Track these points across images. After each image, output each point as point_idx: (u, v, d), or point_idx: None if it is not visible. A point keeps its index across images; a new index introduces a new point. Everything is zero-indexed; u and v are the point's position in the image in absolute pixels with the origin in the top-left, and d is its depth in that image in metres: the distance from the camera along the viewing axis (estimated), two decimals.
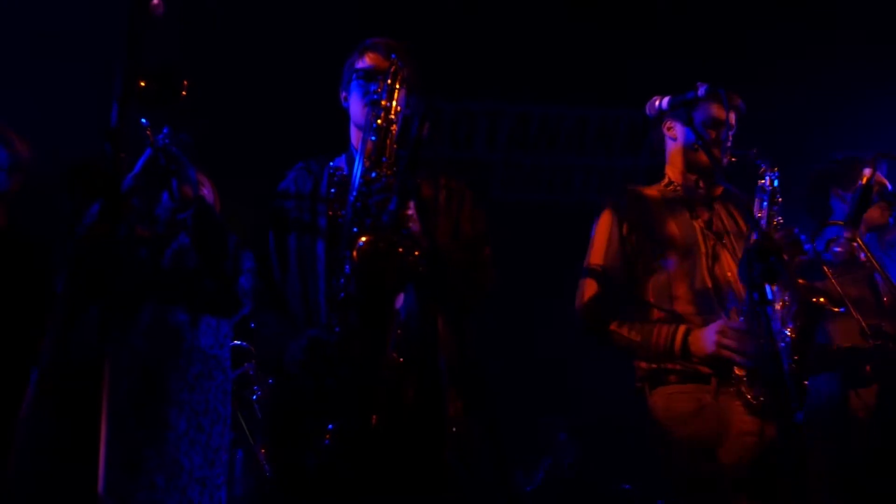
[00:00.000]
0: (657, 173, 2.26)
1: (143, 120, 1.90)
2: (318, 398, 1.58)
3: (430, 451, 1.60)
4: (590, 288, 2.06)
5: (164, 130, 1.94)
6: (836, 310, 1.80)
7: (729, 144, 2.04)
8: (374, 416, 1.53)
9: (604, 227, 2.11)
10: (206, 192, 2.28)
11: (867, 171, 2.08)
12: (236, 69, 3.48)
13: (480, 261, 1.83)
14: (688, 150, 2.10)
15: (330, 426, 1.54)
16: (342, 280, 1.62)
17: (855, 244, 2.08)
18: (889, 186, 2.39)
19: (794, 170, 2.51)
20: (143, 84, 1.25)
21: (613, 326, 2.00)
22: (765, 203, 1.89)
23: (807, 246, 1.83)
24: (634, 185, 2.20)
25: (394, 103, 1.74)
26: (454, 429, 1.62)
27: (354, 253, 1.54)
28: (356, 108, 1.93)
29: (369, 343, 1.55)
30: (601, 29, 3.84)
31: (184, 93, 1.37)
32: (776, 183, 1.90)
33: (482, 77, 3.97)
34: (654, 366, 1.97)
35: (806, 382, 1.79)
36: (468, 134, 4.27)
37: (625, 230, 2.07)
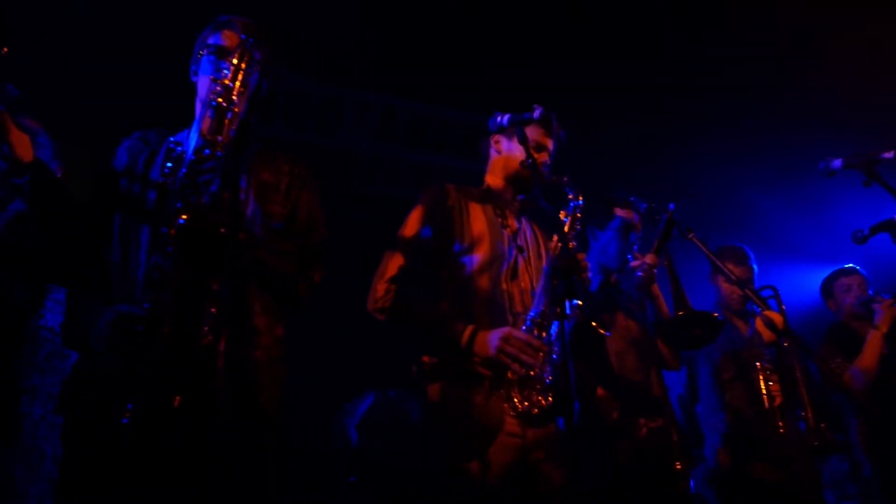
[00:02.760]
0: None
1: None
2: (121, 375, 1.52)
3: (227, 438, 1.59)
4: (391, 268, 2.10)
5: None
6: (603, 332, 1.98)
7: (546, 169, 2.19)
8: (178, 398, 1.49)
9: (417, 214, 2.17)
10: (42, 139, 2.08)
11: (671, 207, 2.31)
12: (83, 32, 3.27)
13: (310, 249, 1.84)
14: (510, 164, 2.24)
15: (129, 405, 1.48)
16: (160, 257, 1.58)
17: (655, 271, 2.30)
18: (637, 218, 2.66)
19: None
20: None
21: (409, 307, 2.05)
22: (566, 225, 2.04)
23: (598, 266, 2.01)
24: (456, 183, 2.29)
25: (237, 83, 1.71)
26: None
27: (173, 231, 1.51)
28: (203, 83, 1.89)
29: (180, 323, 1.51)
30: (482, 37, 3.97)
31: (5, 49, 1.27)
32: (578, 210, 2.05)
33: (356, 65, 3.98)
34: (434, 360, 2.04)
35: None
36: (335, 122, 4.23)
37: (440, 217, 2.14)
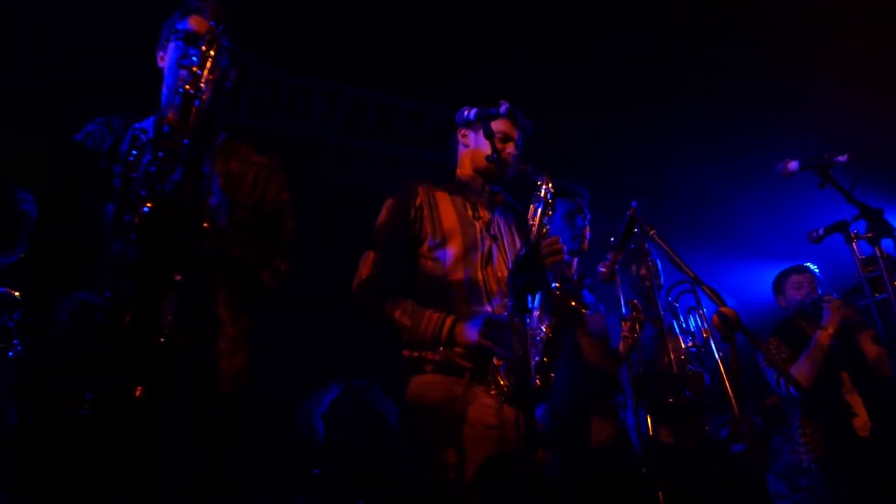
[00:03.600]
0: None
1: None
2: (79, 364, 1.50)
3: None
4: (369, 266, 2.10)
5: None
6: (585, 311, 2.02)
7: (513, 160, 2.22)
8: (139, 388, 1.47)
9: (392, 211, 2.18)
10: None
11: (634, 205, 2.36)
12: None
13: (277, 240, 1.84)
14: (478, 157, 2.26)
15: (89, 395, 1.46)
16: (123, 244, 1.56)
17: (616, 266, 2.35)
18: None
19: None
20: None
21: (387, 307, 2.05)
22: (537, 213, 2.07)
23: (567, 257, 2.04)
24: (425, 175, 2.33)
25: (205, 71, 1.69)
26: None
27: (136, 218, 1.49)
28: (170, 70, 1.87)
29: (141, 312, 1.49)
30: (453, 29, 3.96)
31: None
32: (549, 196, 2.07)
33: (327, 55, 3.95)
34: (415, 354, 2.04)
35: (552, 376, 1.97)
36: (304, 110, 4.20)
37: (410, 216, 2.15)
